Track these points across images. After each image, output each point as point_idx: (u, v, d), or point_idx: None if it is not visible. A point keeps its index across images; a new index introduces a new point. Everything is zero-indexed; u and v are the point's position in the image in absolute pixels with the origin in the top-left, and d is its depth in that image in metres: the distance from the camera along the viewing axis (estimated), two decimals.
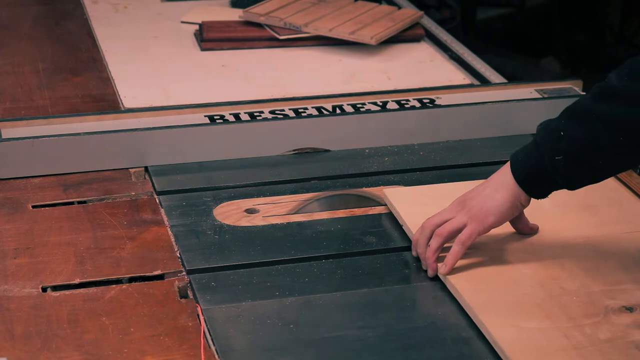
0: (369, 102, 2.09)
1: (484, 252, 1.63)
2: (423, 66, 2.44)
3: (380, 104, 2.10)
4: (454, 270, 1.58)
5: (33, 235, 1.71)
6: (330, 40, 2.49)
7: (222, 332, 1.48)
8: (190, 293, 1.58)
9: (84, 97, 2.26)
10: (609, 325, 1.45)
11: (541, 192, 1.59)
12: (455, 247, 1.58)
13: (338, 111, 2.06)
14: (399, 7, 2.71)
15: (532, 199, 1.60)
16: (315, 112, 2.06)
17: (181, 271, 1.62)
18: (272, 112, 2.05)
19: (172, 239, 1.71)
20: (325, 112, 2.06)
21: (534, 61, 2.27)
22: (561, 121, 1.54)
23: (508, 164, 1.60)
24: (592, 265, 1.59)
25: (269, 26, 2.55)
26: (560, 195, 1.61)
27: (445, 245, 1.60)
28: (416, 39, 2.60)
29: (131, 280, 1.60)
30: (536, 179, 1.57)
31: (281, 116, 2.04)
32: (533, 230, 1.69)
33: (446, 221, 1.61)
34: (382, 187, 1.88)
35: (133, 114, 2.04)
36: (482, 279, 1.57)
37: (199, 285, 1.59)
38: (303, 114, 2.05)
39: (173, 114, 2.05)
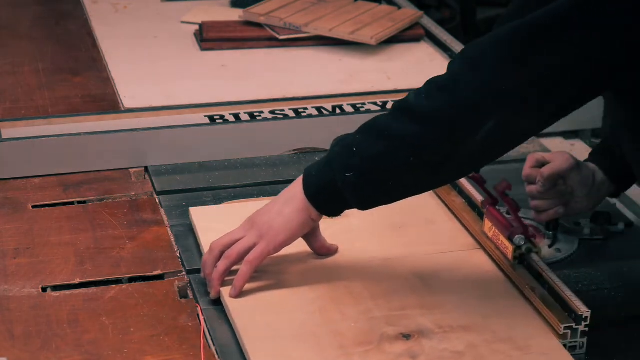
0: (369, 102, 2.09)
1: (272, 275, 1.55)
2: (423, 66, 2.44)
3: (380, 104, 2.09)
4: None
5: (33, 235, 1.71)
6: (330, 40, 2.49)
7: (222, 332, 1.47)
8: (190, 293, 1.58)
9: (84, 97, 2.26)
10: (380, 354, 1.40)
11: (332, 210, 1.51)
12: (244, 268, 1.50)
13: (338, 111, 2.06)
14: (399, 7, 2.72)
15: (325, 217, 1.53)
16: (315, 112, 2.06)
17: (181, 271, 1.62)
18: (272, 112, 2.05)
19: (172, 239, 1.71)
20: (325, 112, 2.06)
21: None
22: (356, 136, 1.47)
23: (300, 178, 1.52)
24: (382, 290, 1.53)
25: (269, 26, 2.55)
26: (371, 214, 1.54)
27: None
28: (416, 39, 2.60)
29: (131, 280, 1.60)
30: (327, 196, 1.48)
31: (281, 116, 2.04)
32: (331, 251, 1.61)
33: (236, 241, 1.53)
34: None
35: (133, 114, 2.04)
36: (261, 302, 1.49)
37: (199, 285, 1.58)
38: (303, 114, 2.05)
39: (173, 114, 2.05)
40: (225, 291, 1.51)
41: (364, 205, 1.49)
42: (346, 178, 1.45)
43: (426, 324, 1.46)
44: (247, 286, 1.52)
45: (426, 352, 1.41)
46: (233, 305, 1.49)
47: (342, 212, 1.52)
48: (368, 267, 1.60)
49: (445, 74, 1.44)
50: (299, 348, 1.40)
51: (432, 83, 1.44)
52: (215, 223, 1.66)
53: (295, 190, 1.51)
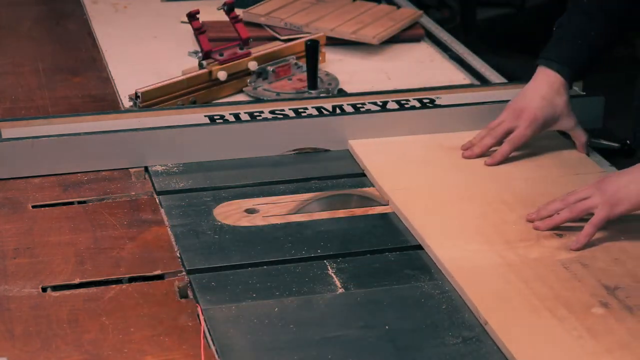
0: (369, 102, 2.09)
1: (440, 190, 1.84)
2: (423, 66, 2.44)
3: (380, 103, 2.09)
4: (406, 201, 1.78)
5: (33, 235, 1.71)
6: (330, 40, 2.49)
7: (222, 332, 1.47)
8: (190, 293, 1.58)
9: (84, 97, 2.26)
10: (540, 247, 1.66)
11: None
12: (589, 228, 1.66)
13: (338, 111, 2.06)
14: (398, 7, 2.72)
15: None
16: (315, 112, 2.06)
17: (181, 271, 1.62)
18: (272, 112, 2.05)
19: (172, 239, 1.71)
20: (325, 112, 2.06)
21: (534, 61, 2.28)
22: None
23: None
24: (530, 200, 1.79)
25: (269, 26, 2.55)
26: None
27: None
28: (416, 39, 2.60)
29: (131, 280, 1.60)
30: None
31: (281, 116, 2.04)
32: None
33: (581, 199, 1.70)
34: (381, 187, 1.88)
35: (133, 114, 2.04)
36: (431, 209, 1.77)
37: (199, 285, 1.58)
38: (303, 114, 2.05)
39: (173, 114, 2.05)
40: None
41: None
42: None
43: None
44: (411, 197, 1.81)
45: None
46: (409, 211, 1.77)
47: None
48: (515, 183, 1.88)
49: None
50: (472, 243, 1.68)
51: None
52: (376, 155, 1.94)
53: None
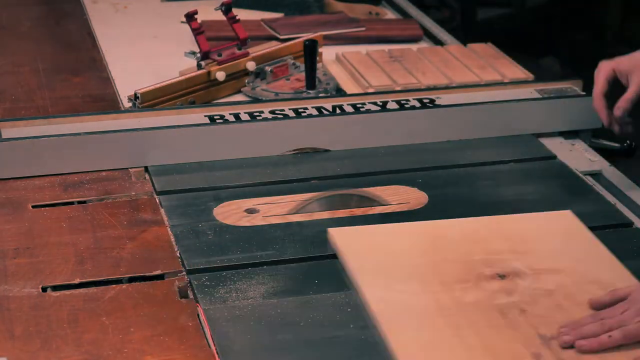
0: (369, 102, 2.09)
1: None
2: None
3: (380, 103, 2.09)
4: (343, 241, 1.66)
5: (33, 235, 1.71)
6: (330, 40, 2.49)
7: (222, 332, 1.48)
8: (190, 293, 1.58)
9: (84, 97, 2.26)
10: (477, 290, 1.54)
11: None
12: (616, 335, 1.42)
13: (338, 111, 2.06)
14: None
15: None
16: (315, 112, 2.06)
17: (181, 271, 1.62)
18: (272, 112, 2.05)
19: (172, 239, 1.71)
20: (325, 112, 2.06)
21: (534, 61, 2.27)
22: None
23: None
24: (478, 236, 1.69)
25: (269, 26, 2.55)
26: None
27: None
28: (415, 39, 2.60)
29: (131, 280, 1.60)
30: None
31: (281, 116, 2.04)
32: None
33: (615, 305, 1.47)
34: (382, 187, 1.88)
35: (133, 114, 2.04)
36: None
37: (199, 285, 1.59)
38: (303, 114, 2.05)
39: (173, 114, 2.05)
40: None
41: None
42: None
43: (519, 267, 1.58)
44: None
45: (519, 291, 1.54)
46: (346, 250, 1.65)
47: None
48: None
49: None
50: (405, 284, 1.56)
51: None
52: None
53: None
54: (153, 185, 1.88)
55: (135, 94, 2.11)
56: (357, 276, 1.57)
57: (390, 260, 1.61)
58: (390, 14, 2.86)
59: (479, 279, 1.56)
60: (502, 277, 1.57)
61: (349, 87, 2.27)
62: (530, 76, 2.32)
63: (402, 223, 1.73)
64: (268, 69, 2.26)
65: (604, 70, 1.88)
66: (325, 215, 1.80)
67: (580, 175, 1.95)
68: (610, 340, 1.41)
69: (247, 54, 2.26)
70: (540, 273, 1.58)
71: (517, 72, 2.35)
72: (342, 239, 1.68)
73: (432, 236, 1.68)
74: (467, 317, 1.48)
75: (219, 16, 2.25)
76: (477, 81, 2.29)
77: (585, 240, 1.68)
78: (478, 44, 2.50)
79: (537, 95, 2.16)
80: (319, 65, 2.28)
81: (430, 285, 1.55)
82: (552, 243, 1.67)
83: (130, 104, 2.14)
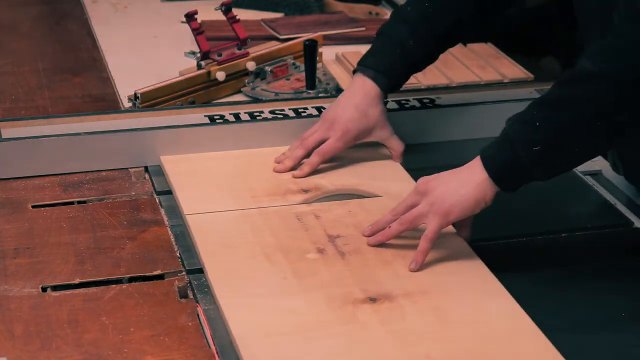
0: None
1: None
2: None
3: None
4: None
5: (33, 235, 1.71)
6: (330, 40, 2.49)
7: (222, 332, 1.47)
8: (190, 293, 1.58)
9: (84, 97, 2.26)
10: (283, 201, 1.78)
11: (515, 186, 1.60)
12: (424, 244, 1.59)
13: None
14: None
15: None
16: (315, 112, 2.06)
17: (181, 271, 1.62)
18: (272, 112, 2.05)
19: (172, 239, 1.71)
20: None
21: (534, 61, 2.27)
22: (533, 112, 1.57)
23: (478, 160, 1.60)
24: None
25: (269, 26, 2.55)
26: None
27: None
28: None
29: (131, 280, 1.60)
30: (512, 172, 1.58)
31: (281, 116, 2.04)
32: (467, 240, 1.68)
33: (409, 207, 1.63)
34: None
35: (133, 114, 2.04)
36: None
37: (199, 285, 1.58)
38: (303, 114, 2.05)
39: (173, 114, 2.05)
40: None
41: (550, 176, 1.58)
42: (533, 153, 1.55)
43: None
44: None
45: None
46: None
47: (521, 186, 1.60)
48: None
49: (618, 37, 1.52)
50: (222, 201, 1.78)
51: (605, 46, 1.53)
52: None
53: (476, 173, 1.59)
54: (153, 185, 1.88)
55: (135, 94, 2.12)
56: (179, 196, 1.78)
57: (212, 183, 1.82)
58: (390, 14, 2.86)
59: (285, 193, 1.79)
60: (305, 191, 1.80)
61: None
62: (530, 76, 2.32)
63: (227, 151, 1.94)
64: (268, 69, 2.26)
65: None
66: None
67: (580, 175, 1.95)
68: (390, 231, 1.63)
69: (247, 54, 2.26)
70: (339, 188, 1.82)
71: (517, 72, 2.35)
72: (171, 165, 1.88)
73: (251, 162, 1.89)
74: (268, 221, 1.70)
75: (219, 16, 2.25)
76: (477, 81, 2.30)
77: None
78: (478, 44, 2.50)
79: (537, 95, 2.16)
80: (319, 65, 2.28)
81: (242, 200, 1.77)
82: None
83: (130, 104, 2.14)
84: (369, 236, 1.66)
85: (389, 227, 1.63)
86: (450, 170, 1.64)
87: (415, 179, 1.89)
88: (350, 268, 1.60)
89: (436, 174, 1.64)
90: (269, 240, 1.66)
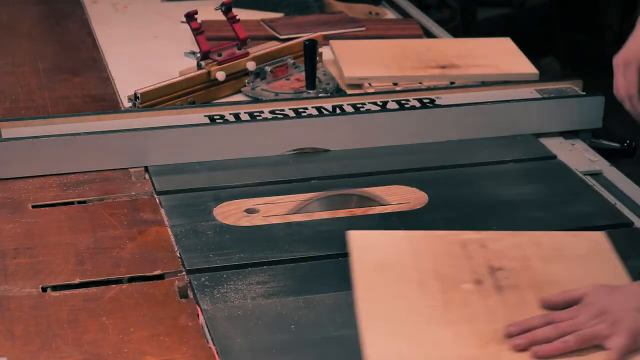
0: (369, 102, 2.09)
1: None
2: None
3: (380, 103, 2.10)
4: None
5: (33, 235, 1.71)
6: (329, 40, 2.49)
7: (222, 332, 1.48)
8: (190, 293, 1.58)
9: (84, 97, 2.26)
10: None
11: None
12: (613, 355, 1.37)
13: (338, 111, 2.06)
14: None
15: None
16: (315, 112, 2.06)
17: (181, 271, 1.62)
18: (272, 112, 2.05)
19: (172, 239, 1.71)
20: (325, 112, 2.06)
21: (534, 61, 2.28)
22: None
23: None
24: None
25: (269, 26, 2.55)
26: None
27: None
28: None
29: (131, 280, 1.60)
30: None
31: (281, 116, 2.04)
32: None
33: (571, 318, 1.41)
34: (382, 187, 1.88)
35: (133, 114, 2.04)
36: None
37: (199, 285, 1.59)
38: (303, 114, 2.05)
39: (173, 114, 2.05)
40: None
41: None
42: None
43: None
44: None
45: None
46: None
47: None
48: None
49: None
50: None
51: None
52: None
53: None
54: (153, 185, 1.88)
55: (135, 94, 2.12)
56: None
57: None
58: (390, 14, 2.86)
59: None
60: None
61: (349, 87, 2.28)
62: (535, 71, 2.30)
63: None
64: (268, 69, 2.26)
65: (635, 62, 1.71)
66: (325, 215, 1.80)
67: (580, 175, 1.95)
68: (565, 345, 1.38)
69: (247, 54, 2.26)
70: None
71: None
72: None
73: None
74: (431, 245, 1.61)
75: (219, 16, 2.25)
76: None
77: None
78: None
79: (537, 95, 2.16)
80: (319, 65, 2.28)
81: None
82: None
83: (130, 104, 2.14)
84: (514, 336, 1.41)
85: (563, 341, 1.38)
86: (615, 286, 1.46)
87: (416, 181, 1.91)
88: (505, 305, 1.49)
89: (606, 287, 1.46)
90: (426, 266, 1.56)
